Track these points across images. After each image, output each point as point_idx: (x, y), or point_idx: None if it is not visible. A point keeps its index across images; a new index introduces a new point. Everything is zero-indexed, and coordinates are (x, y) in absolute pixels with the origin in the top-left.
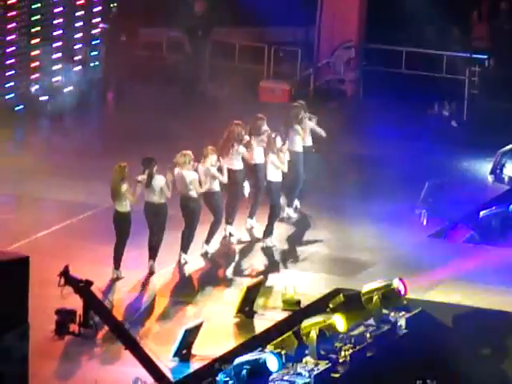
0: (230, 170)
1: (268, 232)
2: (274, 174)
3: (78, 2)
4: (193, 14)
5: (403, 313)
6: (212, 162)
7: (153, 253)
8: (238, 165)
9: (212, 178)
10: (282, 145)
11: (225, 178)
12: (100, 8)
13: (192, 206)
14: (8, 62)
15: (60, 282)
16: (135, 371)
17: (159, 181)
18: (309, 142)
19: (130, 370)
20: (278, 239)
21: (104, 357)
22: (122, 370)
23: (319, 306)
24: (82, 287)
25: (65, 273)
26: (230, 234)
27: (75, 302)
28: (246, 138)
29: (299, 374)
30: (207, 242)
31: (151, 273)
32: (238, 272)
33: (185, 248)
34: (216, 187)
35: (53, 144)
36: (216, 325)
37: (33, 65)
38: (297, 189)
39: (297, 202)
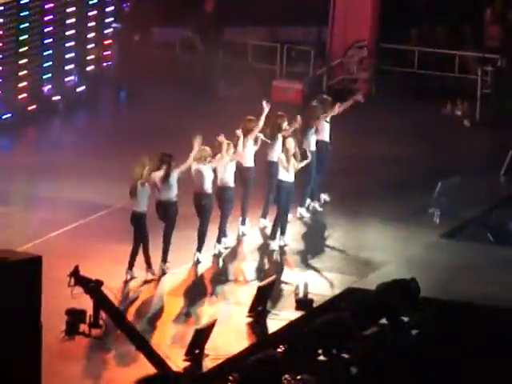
0: (242, 168)
1: (274, 233)
2: (284, 174)
3: (91, 2)
4: (203, 14)
5: (417, 312)
6: (227, 150)
7: (164, 254)
8: (249, 162)
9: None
10: (296, 146)
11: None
12: (112, 8)
13: (205, 203)
14: (21, 62)
15: (70, 283)
16: (149, 371)
17: (175, 176)
18: (327, 137)
19: (145, 370)
20: (292, 239)
21: (118, 357)
22: (136, 370)
23: (332, 306)
24: (92, 287)
25: (75, 273)
26: (243, 234)
27: (88, 302)
28: (260, 135)
29: (312, 373)
30: (218, 241)
31: (163, 274)
32: (251, 272)
33: (199, 247)
34: (231, 183)
35: (65, 144)
36: (229, 325)
37: (45, 64)
38: (308, 188)
39: (309, 202)
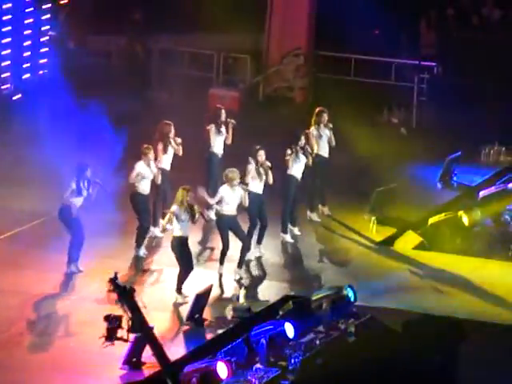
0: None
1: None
2: (252, 185)
3: (27, 10)
4: (132, 22)
5: (352, 320)
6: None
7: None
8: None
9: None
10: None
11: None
12: (49, 16)
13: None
14: None
15: (109, 288)
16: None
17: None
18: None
19: (80, 378)
20: (231, 247)
21: (54, 364)
22: (74, 379)
23: (269, 313)
24: (126, 293)
25: (114, 279)
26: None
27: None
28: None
29: (249, 382)
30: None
31: None
32: (188, 279)
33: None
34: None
35: (1, 152)
36: (165, 332)
37: None
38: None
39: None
